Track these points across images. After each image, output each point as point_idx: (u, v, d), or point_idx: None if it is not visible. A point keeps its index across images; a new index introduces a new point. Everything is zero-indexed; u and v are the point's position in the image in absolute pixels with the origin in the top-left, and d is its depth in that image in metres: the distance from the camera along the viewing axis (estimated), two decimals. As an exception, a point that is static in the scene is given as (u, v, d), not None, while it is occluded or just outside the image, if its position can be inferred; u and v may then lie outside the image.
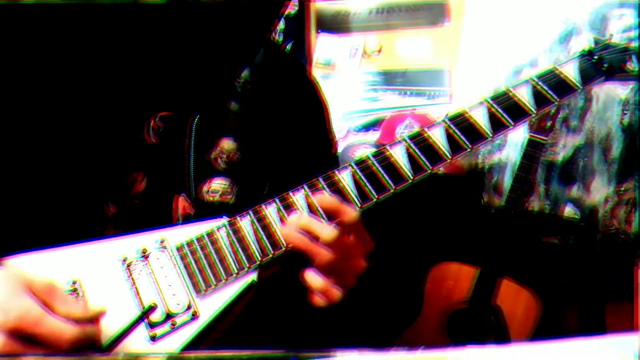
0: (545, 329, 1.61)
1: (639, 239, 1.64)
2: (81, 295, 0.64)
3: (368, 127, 2.53)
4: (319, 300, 0.68)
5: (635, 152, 1.54)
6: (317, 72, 2.54)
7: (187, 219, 0.74)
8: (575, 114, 1.68)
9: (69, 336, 0.53)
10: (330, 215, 0.69)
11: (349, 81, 2.57)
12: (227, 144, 0.78)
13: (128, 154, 0.73)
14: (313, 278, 0.68)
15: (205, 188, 0.76)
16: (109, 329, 0.60)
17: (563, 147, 1.74)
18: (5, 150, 0.70)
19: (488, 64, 2.28)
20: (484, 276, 1.64)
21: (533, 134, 1.59)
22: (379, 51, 2.52)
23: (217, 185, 0.77)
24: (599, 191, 1.62)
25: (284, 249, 0.68)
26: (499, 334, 1.60)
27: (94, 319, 0.57)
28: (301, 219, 0.68)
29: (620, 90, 1.53)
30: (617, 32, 1.43)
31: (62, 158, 0.70)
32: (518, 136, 1.92)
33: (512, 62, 2.07)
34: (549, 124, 1.58)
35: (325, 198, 0.69)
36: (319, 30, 2.59)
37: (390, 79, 2.51)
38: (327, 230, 0.67)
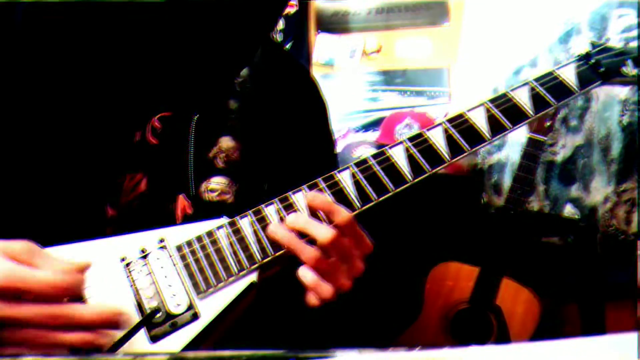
0: (546, 329, 1.61)
1: (638, 238, 1.64)
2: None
3: (368, 127, 2.53)
4: (312, 299, 0.68)
5: (635, 151, 1.55)
6: (317, 72, 2.54)
7: (187, 219, 0.74)
8: (575, 113, 1.68)
9: (59, 283, 0.54)
10: (325, 216, 0.69)
11: (348, 81, 2.57)
12: (226, 143, 0.78)
13: (127, 155, 0.73)
14: (306, 275, 0.67)
15: (204, 187, 0.76)
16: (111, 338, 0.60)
17: (563, 147, 1.74)
18: (4, 151, 0.69)
19: (488, 64, 2.28)
20: (484, 276, 1.64)
21: (533, 134, 1.59)
22: (379, 51, 2.52)
23: (216, 184, 0.77)
24: (599, 191, 1.62)
25: (280, 252, 0.68)
26: (500, 334, 1.60)
27: (79, 270, 0.58)
28: (298, 219, 0.68)
29: (620, 90, 1.53)
30: (617, 33, 1.43)
31: (61, 159, 0.70)
32: (518, 136, 1.92)
33: (512, 62, 2.07)
34: (548, 123, 1.58)
35: (316, 198, 0.69)
36: (319, 30, 2.59)
37: (390, 79, 2.51)
38: (322, 232, 0.66)
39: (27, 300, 0.53)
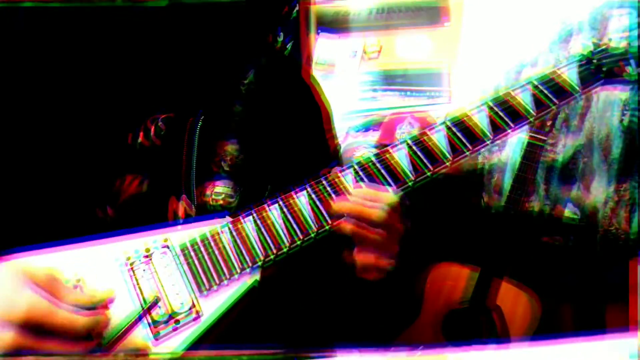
0: (545, 329, 1.61)
1: (639, 239, 1.64)
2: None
3: (368, 127, 2.53)
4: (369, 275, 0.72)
5: (635, 152, 1.55)
6: (317, 72, 2.54)
7: (189, 220, 0.74)
8: (576, 114, 1.68)
9: (81, 323, 0.54)
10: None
11: (349, 81, 2.57)
12: (230, 146, 0.79)
13: (129, 155, 0.73)
14: (362, 256, 0.71)
15: (208, 191, 0.76)
16: (113, 327, 0.61)
17: (563, 147, 1.74)
18: (4, 152, 0.70)
19: (488, 64, 2.28)
20: (484, 276, 1.64)
21: (533, 134, 1.60)
22: (379, 51, 2.52)
23: (220, 189, 0.77)
24: (599, 191, 1.62)
25: (327, 227, 0.70)
26: (500, 334, 1.61)
27: (102, 305, 0.58)
28: (360, 192, 0.71)
29: (620, 91, 1.53)
30: (617, 32, 1.43)
31: (61, 160, 0.70)
32: (518, 136, 1.92)
33: (512, 62, 2.07)
34: (549, 124, 1.58)
35: (365, 187, 0.71)
36: (319, 30, 2.59)
37: (390, 79, 2.51)
38: (376, 212, 0.69)
39: (47, 332, 0.53)
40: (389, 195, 0.71)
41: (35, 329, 0.53)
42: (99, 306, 0.57)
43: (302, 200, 0.70)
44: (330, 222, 0.70)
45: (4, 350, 0.51)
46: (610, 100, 1.56)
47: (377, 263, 0.71)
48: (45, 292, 0.55)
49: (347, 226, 0.70)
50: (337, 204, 0.71)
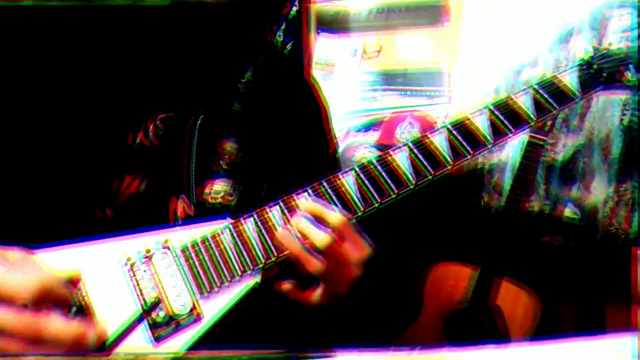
0: (545, 329, 1.61)
1: (638, 239, 1.64)
2: (84, 294, 0.64)
3: (368, 127, 2.53)
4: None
5: (635, 152, 1.55)
6: (317, 72, 2.54)
7: (189, 221, 0.74)
8: (575, 114, 1.68)
9: (31, 287, 0.53)
10: (320, 220, 0.69)
11: (348, 81, 2.57)
12: (229, 145, 0.79)
13: (127, 156, 0.73)
14: (289, 290, 0.70)
15: (207, 190, 0.76)
16: (112, 329, 0.61)
17: (563, 147, 1.74)
18: (2, 152, 0.70)
19: (488, 64, 2.28)
20: (484, 276, 1.64)
21: (533, 134, 1.60)
22: (379, 51, 2.52)
23: (219, 187, 0.77)
24: (599, 191, 1.62)
25: (274, 259, 0.68)
26: (500, 334, 1.61)
27: (68, 282, 0.58)
28: (299, 222, 0.68)
29: (620, 91, 1.53)
30: (617, 33, 1.43)
31: (59, 160, 0.70)
32: (518, 136, 1.92)
33: (512, 62, 2.07)
34: (549, 124, 1.58)
35: (309, 203, 0.69)
36: (319, 30, 2.59)
37: (390, 79, 2.51)
38: (320, 236, 0.67)
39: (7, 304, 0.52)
40: (337, 216, 0.68)
41: (44, 302, 0.53)
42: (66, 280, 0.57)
43: (303, 201, 0.70)
44: (275, 252, 0.68)
45: None
46: (610, 100, 1.56)
47: (316, 294, 0.70)
48: (14, 268, 0.54)
49: (290, 250, 0.67)
50: (280, 231, 0.68)
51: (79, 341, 0.53)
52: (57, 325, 0.53)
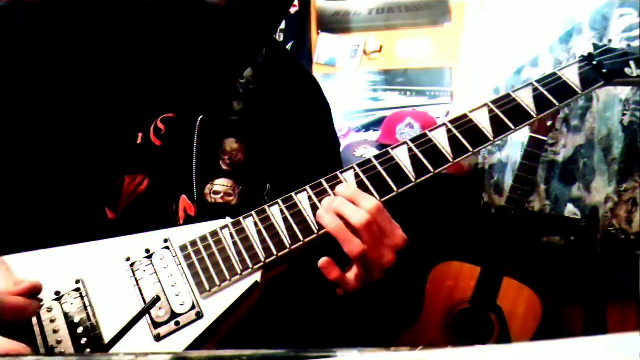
0: (547, 329, 1.61)
1: (639, 239, 1.64)
2: (85, 294, 0.64)
3: (368, 126, 2.53)
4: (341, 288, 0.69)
5: (636, 151, 1.55)
6: (317, 72, 2.54)
7: (189, 220, 0.74)
8: (576, 113, 1.68)
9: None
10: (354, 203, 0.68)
11: (349, 81, 2.57)
12: (230, 144, 0.79)
13: (129, 156, 0.73)
14: (328, 268, 0.68)
15: (207, 189, 0.76)
16: (113, 328, 0.61)
17: (564, 147, 1.75)
18: (5, 152, 0.70)
19: (489, 63, 2.28)
20: (485, 276, 1.64)
21: (534, 134, 1.60)
22: (380, 51, 2.52)
23: (220, 186, 0.77)
24: (600, 191, 1.62)
25: (315, 234, 0.68)
26: (501, 334, 1.61)
27: (27, 293, 0.58)
28: (335, 201, 0.68)
29: (620, 90, 1.53)
30: (618, 32, 1.43)
31: (62, 160, 0.70)
32: (519, 136, 1.92)
33: (513, 61, 2.07)
34: (549, 123, 1.58)
35: (344, 188, 0.69)
36: (320, 30, 2.59)
37: (391, 78, 2.51)
38: (357, 215, 0.67)
39: None
40: (371, 201, 0.68)
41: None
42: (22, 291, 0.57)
43: (302, 199, 0.70)
44: (316, 229, 0.68)
45: None
46: (610, 99, 1.56)
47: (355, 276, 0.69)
48: None
49: (330, 226, 0.67)
50: (320, 210, 0.68)
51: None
52: None
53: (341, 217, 0.67)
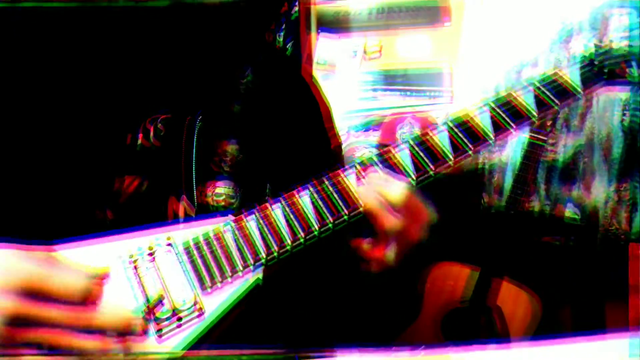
0: (546, 329, 1.61)
1: (639, 239, 1.64)
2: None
3: (368, 127, 2.54)
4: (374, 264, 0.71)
5: (635, 152, 1.55)
6: (317, 72, 2.54)
7: (190, 219, 0.74)
8: (576, 114, 1.68)
9: (77, 289, 0.56)
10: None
11: (349, 81, 2.57)
12: (229, 146, 0.79)
13: (127, 157, 0.73)
14: (370, 245, 0.71)
15: (209, 192, 0.76)
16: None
17: (564, 148, 1.75)
18: (3, 153, 0.70)
19: (488, 64, 2.28)
20: (484, 276, 1.64)
21: (534, 135, 1.60)
22: (380, 51, 2.52)
23: (221, 189, 0.77)
24: (600, 191, 1.62)
25: (360, 208, 0.69)
26: (500, 334, 1.61)
27: (98, 278, 0.60)
28: (376, 177, 0.70)
29: (620, 91, 1.53)
30: (618, 32, 1.43)
31: (59, 162, 0.70)
32: (519, 136, 1.92)
33: (513, 62, 2.07)
34: (549, 124, 1.58)
35: (375, 172, 0.71)
36: (319, 30, 2.59)
37: (391, 79, 2.51)
38: (395, 192, 0.69)
39: (46, 298, 0.55)
40: (402, 184, 0.70)
41: (32, 294, 0.54)
42: (95, 277, 0.59)
43: (305, 199, 0.70)
44: (348, 210, 0.70)
45: (4, 318, 0.52)
46: (610, 100, 1.56)
47: (394, 249, 0.71)
48: (41, 262, 0.56)
49: (371, 204, 0.69)
50: (358, 188, 0.70)
51: (126, 326, 0.58)
52: (106, 313, 0.57)
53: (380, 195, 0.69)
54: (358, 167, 0.72)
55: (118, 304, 0.63)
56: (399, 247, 0.71)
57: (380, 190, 0.70)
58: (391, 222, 0.69)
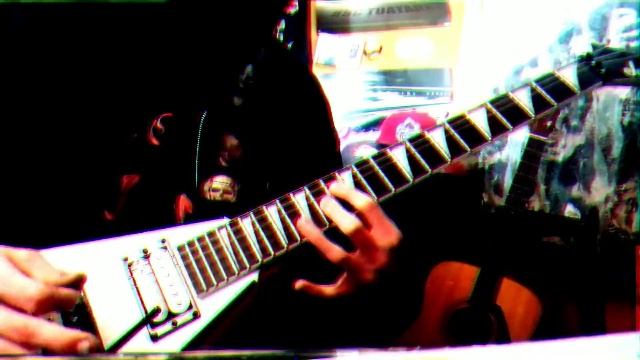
0: (546, 329, 1.61)
1: (639, 239, 1.64)
2: (82, 294, 0.64)
3: (368, 127, 2.53)
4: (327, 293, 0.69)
5: (635, 151, 1.55)
6: (317, 72, 2.54)
7: (188, 219, 0.74)
8: (576, 113, 1.68)
9: (32, 293, 0.51)
10: (347, 205, 0.68)
11: (349, 81, 2.57)
12: (230, 141, 0.78)
13: (126, 156, 0.73)
14: (305, 287, 0.69)
15: (207, 186, 0.76)
16: (111, 328, 0.61)
17: (564, 147, 1.74)
18: (3, 152, 0.69)
19: (488, 64, 2.28)
20: (484, 276, 1.64)
21: (534, 134, 1.60)
22: (380, 51, 2.52)
23: (219, 184, 0.77)
24: (600, 191, 1.62)
25: (298, 242, 0.67)
26: (500, 334, 1.60)
27: (72, 284, 0.56)
28: (327, 206, 0.67)
29: (620, 90, 1.53)
30: (618, 32, 1.43)
31: (59, 161, 0.70)
32: (519, 136, 1.92)
33: (513, 62, 2.07)
34: (549, 123, 1.58)
35: (336, 187, 0.68)
36: (320, 30, 2.59)
37: (391, 78, 2.50)
38: (345, 221, 0.66)
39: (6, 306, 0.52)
40: (363, 200, 0.66)
41: None
42: (69, 282, 0.56)
43: (300, 200, 0.70)
44: (299, 236, 0.67)
45: None
46: (610, 100, 1.56)
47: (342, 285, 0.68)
48: (16, 266, 0.53)
49: (310, 236, 0.66)
50: (301, 219, 0.67)
51: (71, 348, 0.52)
52: (50, 331, 0.52)
53: (331, 222, 0.67)
54: (354, 169, 0.71)
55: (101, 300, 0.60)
56: (353, 274, 0.68)
57: (332, 218, 0.66)
58: (334, 253, 0.66)
